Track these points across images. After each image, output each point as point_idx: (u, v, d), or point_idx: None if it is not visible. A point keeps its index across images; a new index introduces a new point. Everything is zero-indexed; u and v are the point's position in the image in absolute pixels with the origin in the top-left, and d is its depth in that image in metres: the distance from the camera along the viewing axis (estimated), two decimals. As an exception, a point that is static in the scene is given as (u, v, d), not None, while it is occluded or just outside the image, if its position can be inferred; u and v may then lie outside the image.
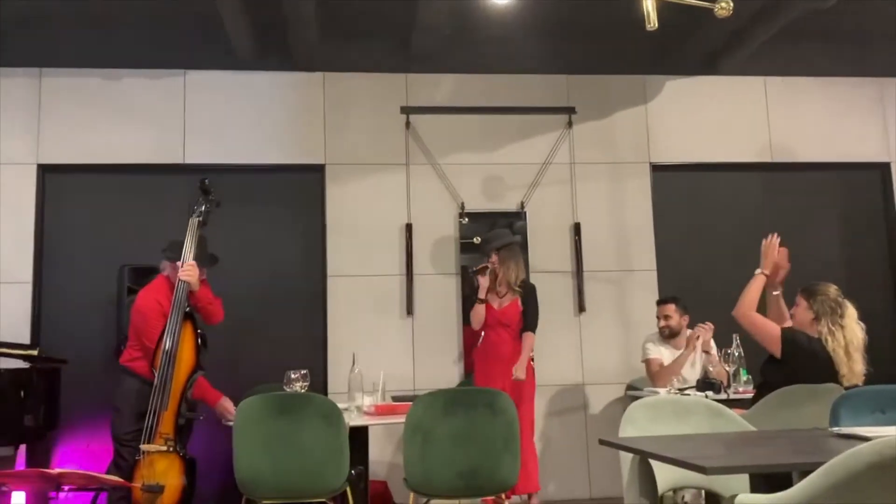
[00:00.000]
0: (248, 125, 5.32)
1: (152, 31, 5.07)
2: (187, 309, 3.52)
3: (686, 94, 5.73)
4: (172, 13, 4.96)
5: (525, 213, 5.47)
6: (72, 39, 5.07)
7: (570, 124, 5.59)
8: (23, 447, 4.09)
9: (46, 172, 5.18)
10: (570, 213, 5.53)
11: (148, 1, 4.77)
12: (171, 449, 3.35)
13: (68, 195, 5.21)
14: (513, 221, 5.44)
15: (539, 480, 4.47)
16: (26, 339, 4.83)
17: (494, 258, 4.60)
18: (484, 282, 4.55)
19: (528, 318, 4.53)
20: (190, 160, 5.23)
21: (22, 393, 3.85)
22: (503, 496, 3.38)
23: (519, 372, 4.38)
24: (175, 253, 3.67)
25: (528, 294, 4.57)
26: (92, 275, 5.03)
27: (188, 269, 3.52)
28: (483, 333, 4.61)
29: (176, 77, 5.31)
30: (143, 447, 3.32)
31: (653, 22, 2.93)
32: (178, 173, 5.19)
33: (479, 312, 4.55)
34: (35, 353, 4.28)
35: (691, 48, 5.46)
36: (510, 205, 5.49)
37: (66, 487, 3.04)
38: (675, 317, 4.70)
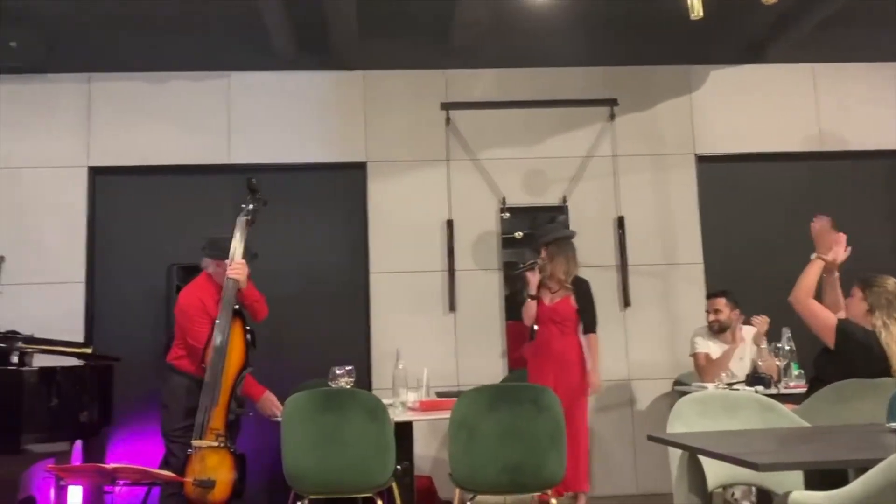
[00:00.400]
0: (290, 124, 5.38)
1: (197, 34, 5.15)
2: (236, 306, 3.57)
3: (732, 84, 5.62)
4: (216, 16, 5.03)
5: (567, 206, 5.43)
6: (119, 45, 5.18)
7: (612, 116, 5.53)
8: (79, 443, 4.19)
9: (97, 175, 5.32)
10: (613, 206, 5.47)
11: (192, 4, 4.84)
12: (222, 445, 3.40)
13: (118, 196, 5.34)
14: (555, 216, 5.40)
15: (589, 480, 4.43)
16: (80, 338, 4.97)
17: (544, 253, 4.53)
18: (533, 278, 4.45)
19: (588, 318, 4.44)
20: (235, 160, 5.31)
21: (77, 390, 3.95)
22: (549, 493, 3.35)
23: (594, 378, 4.34)
24: (216, 251, 3.71)
25: (582, 291, 4.47)
26: (142, 274, 5.14)
27: (237, 268, 3.56)
28: (535, 329, 4.55)
29: (220, 79, 5.39)
30: (195, 443, 3.38)
31: (697, 11, 2.88)
32: (223, 173, 5.27)
33: (530, 308, 4.47)
34: (89, 350, 4.39)
35: (736, 36, 5.35)
36: (552, 199, 5.46)
37: (121, 482, 3.12)
38: (726, 311, 4.61)
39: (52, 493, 4.54)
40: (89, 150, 5.28)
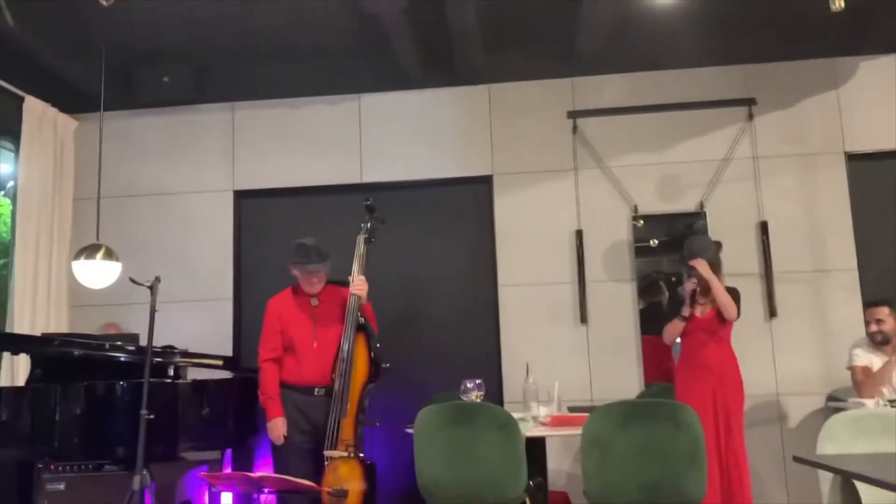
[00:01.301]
0: (417, 142, 5.49)
1: (329, 60, 5.37)
2: (361, 321, 3.69)
3: (884, 75, 5.17)
4: (347, 42, 5.22)
5: (705, 212, 5.19)
6: (258, 75, 5.49)
7: (750, 116, 5.24)
8: (228, 452, 4.45)
9: (242, 198, 5.65)
10: (754, 210, 5.17)
11: (325, 33, 5.04)
12: (352, 455, 3.49)
13: (260, 217, 5.64)
14: (692, 222, 5.18)
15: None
16: (229, 352, 5.29)
17: (703, 269, 4.24)
18: (691, 289, 4.23)
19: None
20: (366, 179, 5.48)
21: (226, 401, 4.19)
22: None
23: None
24: (294, 257, 3.90)
25: (734, 296, 4.24)
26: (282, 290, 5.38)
27: (359, 284, 3.70)
28: (679, 342, 4.35)
29: (351, 101, 5.60)
30: (327, 453, 3.50)
31: (838, 2, 2.67)
32: (355, 192, 5.44)
33: (677, 329, 4.27)
34: (236, 363, 4.65)
35: (888, 23, 4.91)
36: (688, 205, 5.24)
37: (266, 489, 3.26)
38: (890, 321, 4.24)
39: (206, 497, 4.85)
40: (234, 174, 5.63)
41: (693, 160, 5.26)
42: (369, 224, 3.87)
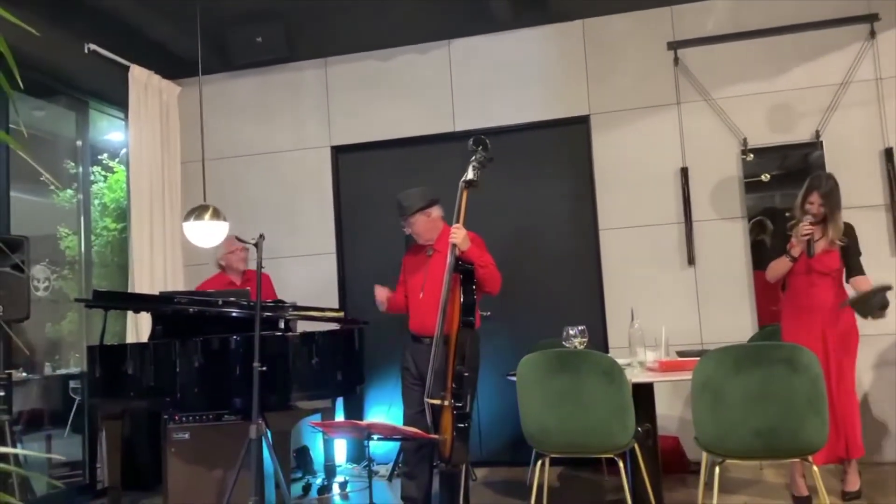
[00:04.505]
0: (511, 85, 5.35)
1: (417, 6, 5.28)
2: (460, 267, 3.60)
3: None
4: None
5: (821, 142, 4.84)
6: (348, 27, 5.46)
7: (871, 34, 4.80)
8: (339, 400, 4.59)
9: (339, 153, 5.72)
10: (879, 137, 4.78)
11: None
12: (446, 402, 3.49)
13: (358, 172, 5.70)
14: (808, 153, 4.85)
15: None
16: (335, 304, 5.43)
17: (818, 207, 3.88)
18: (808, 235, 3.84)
19: (856, 263, 3.90)
20: (459, 127, 5.41)
21: (334, 352, 4.30)
22: (810, 458, 3.04)
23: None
24: (398, 208, 3.88)
25: (851, 237, 3.92)
26: (382, 242, 5.45)
27: (454, 231, 3.60)
28: (787, 281, 4.04)
29: (441, 48, 5.51)
30: (427, 400, 3.54)
31: None
32: (449, 141, 5.39)
33: (781, 269, 3.93)
34: (342, 315, 4.76)
35: None
36: (802, 135, 4.90)
37: (375, 436, 3.34)
38: None
39: (321, 443, 5.05)
40: (330, 130, 5.68)
41: (807, 86, 4.89)
42: (470, 167, 3.70)
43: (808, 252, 3.84)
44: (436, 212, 3.90)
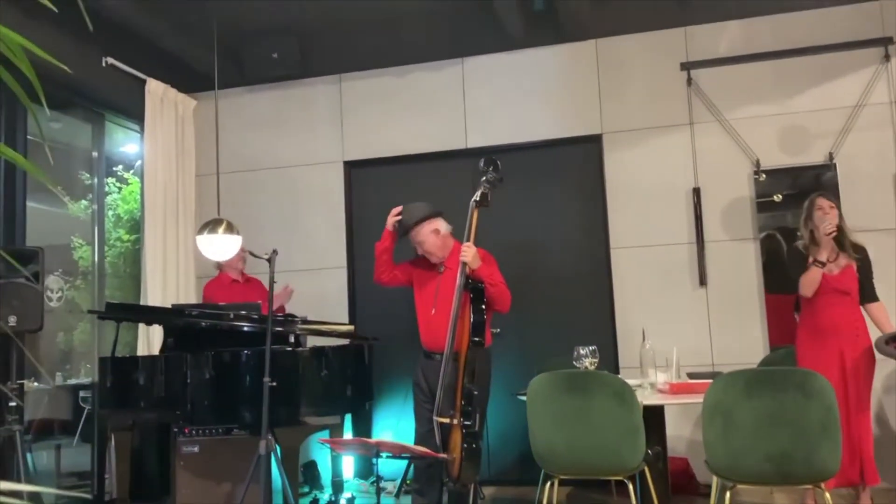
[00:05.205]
0: (523, 103, 5.37)
1: (431, 24, 5.30)
2: (469, 286, 3.62)
3: None
4: (448, 5, 5.14)
5: (835, 164, 4.84)
6: (362, 44, 5.50)
7: (886, 57, 4.80)
8: (348, 417, 4.58)
9: (352, 168, 5.74)
10: (892, 161, 4.77)
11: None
12: (455, 421, 3.49)
13: (370, 187, 5.72)
14: (821, 174, 4.84)
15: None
16: (345, 319, 5.43)
17: (833, 211, 3.96)
18: (828, 242, 3.90)
19: (870, 287, 3.94)
20: (472, 144, 5.43)
21: (344, 367, 4.30)
22: (823, 485, 3.02)
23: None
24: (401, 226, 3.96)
25: (865, 259, 3.95)
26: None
27: (464, 250, 3.62)
28: (803, 302, 4.05)
29: (454, 66, 5.54)
30: (436, 419, 3.54)
31: None
32: (461, 158, 5.41)
33: (815, 278, 3.87)
34: (352, 330, 4.76)
35: None
36: (816, 157, 4.89)
37: (384, 454, 3.34)
38: None
39: (329, 459, 5.04)
40: (344, 146, 5.71)
41: (820, 108, 4.89)
42: (481, 186, 3.72)
43: (841, 246, 3.89)
44: (444, 228, 3.92)
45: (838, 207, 4.06)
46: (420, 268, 4.08)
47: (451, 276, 3.79)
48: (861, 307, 3.95)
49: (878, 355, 3.86)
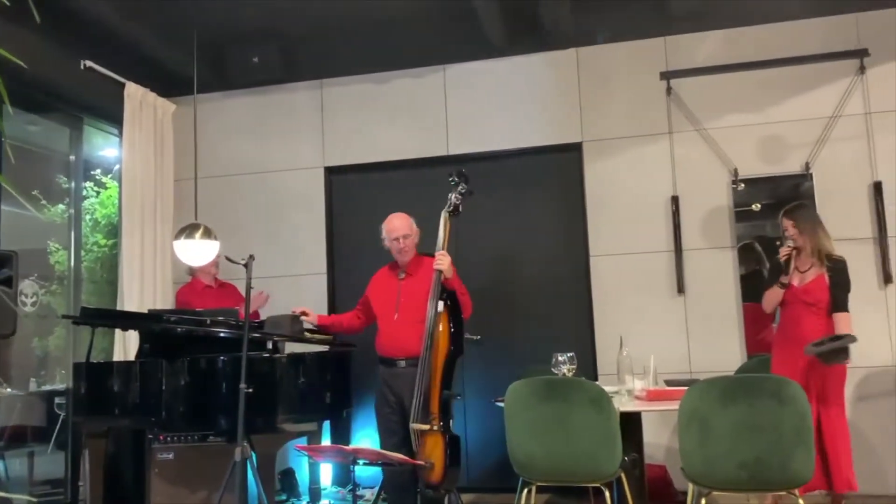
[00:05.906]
0: (504, 111, 5.39)
1: (413, 31, 5.30)
2: (444, 295, 3.67)
3: None
4: (430, 12, 5.14)
5: (811, 174, 4.89)
6: (344, 50, 5.49)
7: (861, 69, 4.87)
8: (326, 424, 4.56)
9: (332, 174, 5.73)
10: (867, 170, 4.83)
11: (408, 3, 5.00)
12: (435, 428, 3.49)
13: (351, 193, 5.71)
14: (798, 183, 4.89)
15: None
16: (324, 325, 5.39)
17: (791, 228, 4.02)
18: (793, 261, 3.98)
19: (840, 298, 3.91)
20: (453, 151, 5.44)
21: (322, 374, 4.27)
22: (797, 492, 3.04)
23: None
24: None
25: (841, 271, 3.93)
26: (375, 264, 5.43)
27: (439, 258, 3.68)
28: (778, 312, 4.12)
29: (436, 73, 5.54)
30: (412, 426, 3.53)
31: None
32: (442, 165, 5.40)
33: (776, 297, 4.01)
34: (331, 337, 4.73)
35: None
36: (792, 167, 4.94)
37: (361, 461, 3.32)
38: None
39: (307, 466, 5.00)
40: (324, 151, 5.70)
41: (797, 119, 4.95)
42: (452, 197, 3.80)
43: (786, 271, 3.96)
44: (416, 234, 4.03)
45: (797, 210, 4.08)
46: (378, 280, 4.13)
47: (412, 283, 3.91)
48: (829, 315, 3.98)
49: (853, 363, 3.90)
